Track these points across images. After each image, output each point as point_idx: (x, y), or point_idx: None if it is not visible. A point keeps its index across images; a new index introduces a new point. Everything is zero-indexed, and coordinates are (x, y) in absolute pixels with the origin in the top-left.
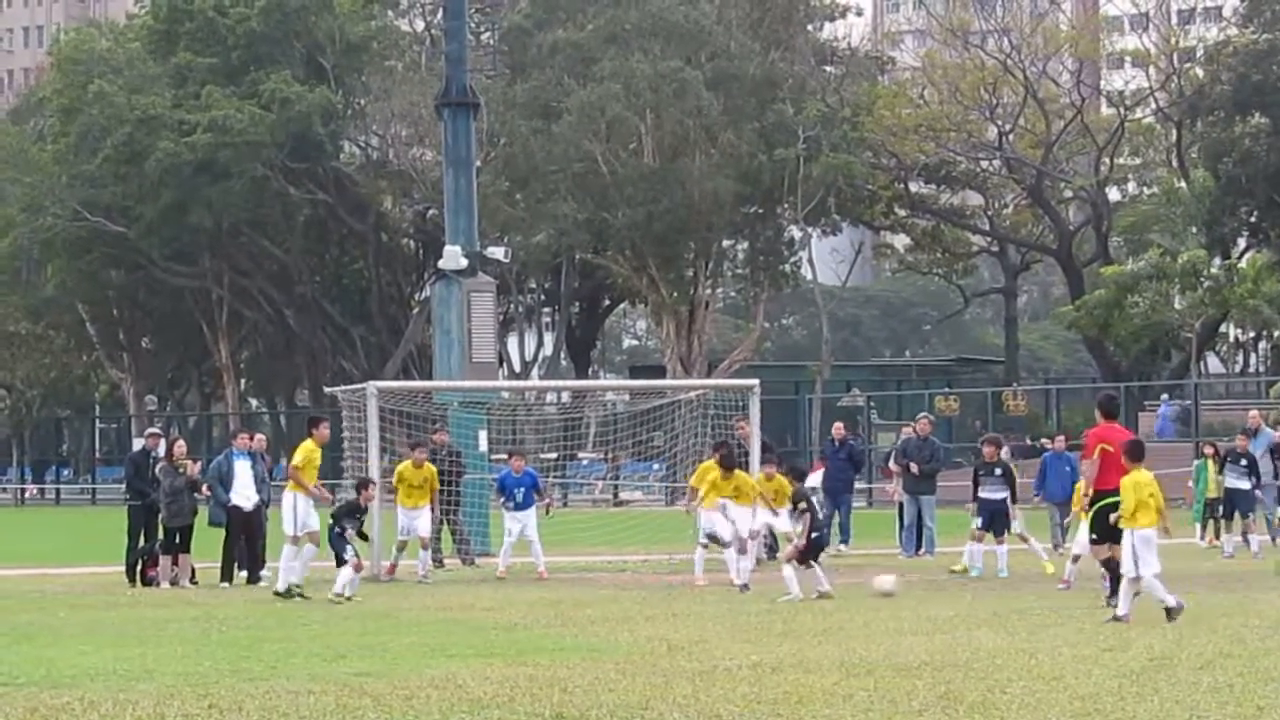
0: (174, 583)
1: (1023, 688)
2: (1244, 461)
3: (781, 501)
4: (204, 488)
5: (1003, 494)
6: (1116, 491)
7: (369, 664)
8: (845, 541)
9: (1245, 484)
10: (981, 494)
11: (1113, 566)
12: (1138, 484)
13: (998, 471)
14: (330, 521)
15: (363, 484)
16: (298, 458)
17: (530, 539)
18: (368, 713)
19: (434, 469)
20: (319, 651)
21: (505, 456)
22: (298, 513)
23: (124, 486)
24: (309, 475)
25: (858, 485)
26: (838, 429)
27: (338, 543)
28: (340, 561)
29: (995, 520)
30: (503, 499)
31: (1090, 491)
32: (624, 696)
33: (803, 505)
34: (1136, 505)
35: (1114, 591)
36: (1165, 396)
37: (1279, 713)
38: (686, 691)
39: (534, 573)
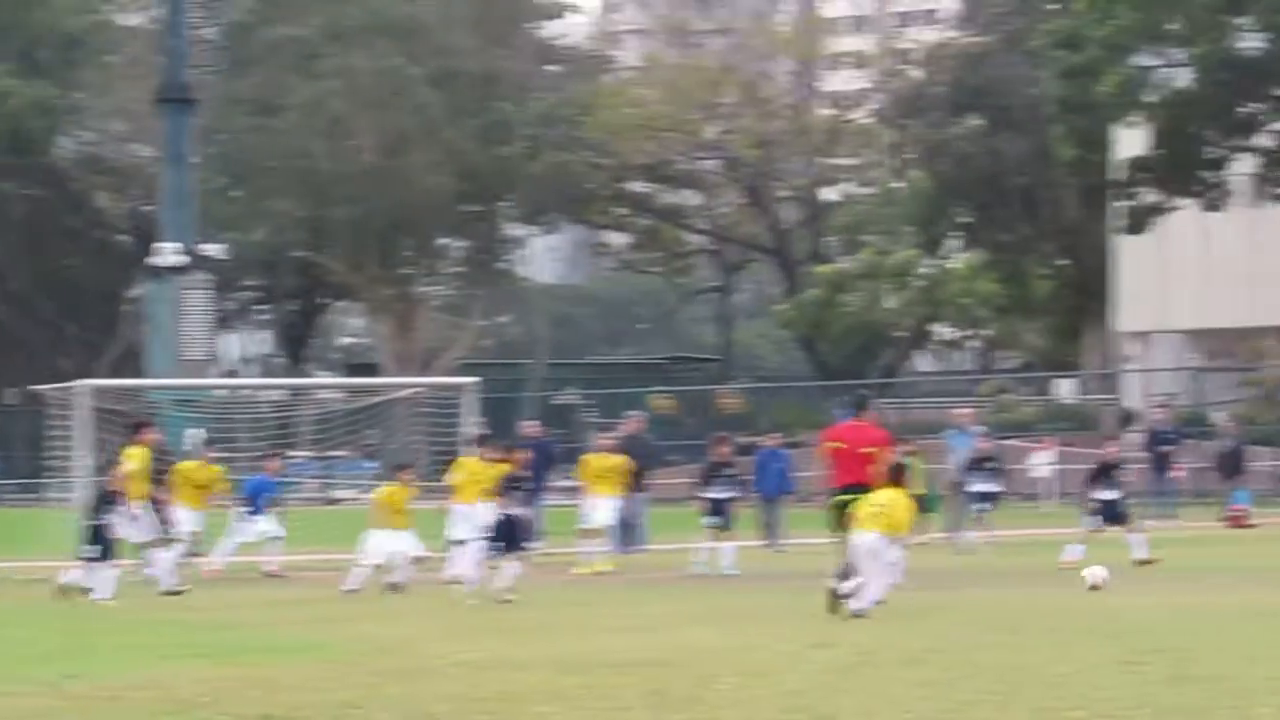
0: None
1: (731, 683)
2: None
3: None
4: None
5: (731, 493)
6: (852, 488)
7: (76, 665)
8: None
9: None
10: (710, 493)
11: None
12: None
13: (728, 471)
14: (88, 517)
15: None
16: (132, 464)
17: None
18: (69, 715)
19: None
20: (25, 653)
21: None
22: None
23: None
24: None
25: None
26: (529, 427)
27: (94, 538)
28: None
29: (725, 516)
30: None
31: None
32: (334, 696)
33: None
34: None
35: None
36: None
37: (984, 707)
38: (397, 691)
39: (253, 572)
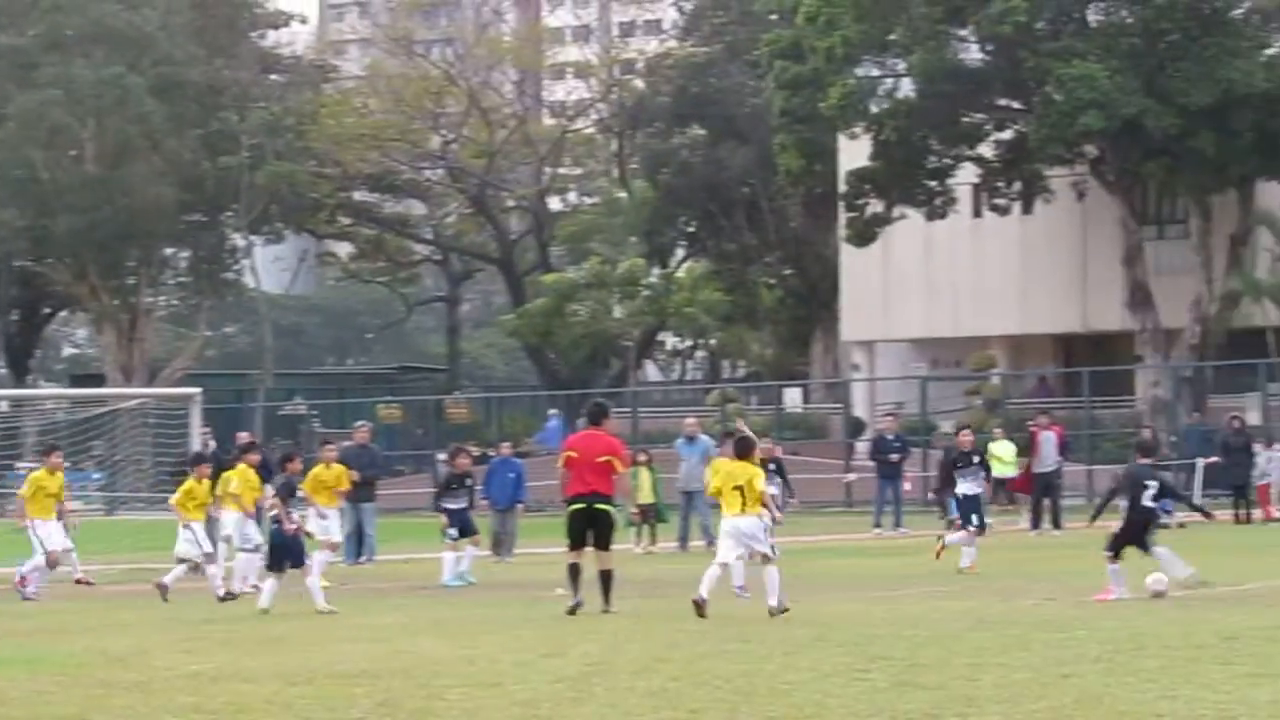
0: None
1: (462, 694)
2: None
3: None
4: None
5: (462, 503)
6: (586, 497)
7: None
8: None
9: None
10: (450, 504)
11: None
12: (729, 473)
13: (469, 482)
14: None
15: None
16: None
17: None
18: None
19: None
20: None
21: None
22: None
23: None
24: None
25: None
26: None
27: None
28: None
29: (467, 527)
30: None
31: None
32: (61, 709)
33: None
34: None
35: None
36: (554, 411)
37: (711, 714)
38: (126, 702)
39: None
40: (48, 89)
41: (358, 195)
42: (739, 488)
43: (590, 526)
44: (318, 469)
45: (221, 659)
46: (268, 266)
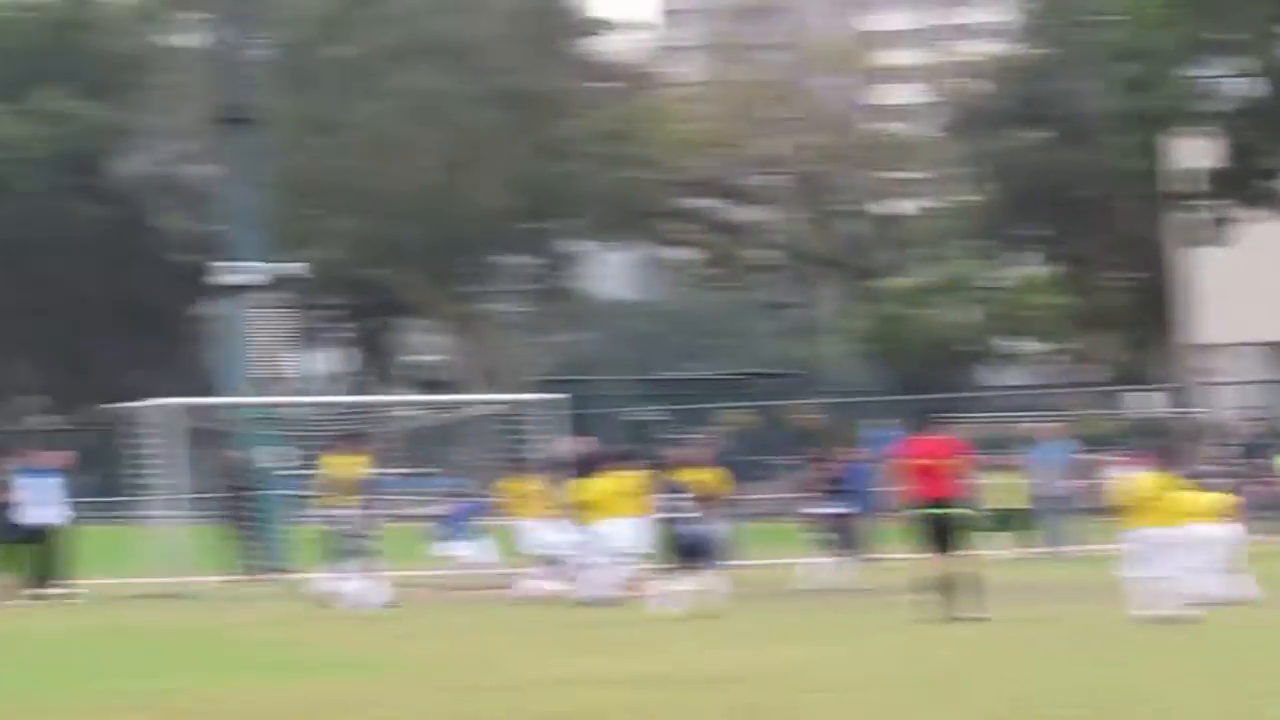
0: None
1: (818, 699)
2: None
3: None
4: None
5: (841, 508)
6: (935, 502)
7: (174, 680)
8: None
9: None
10: (815, 509)
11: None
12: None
13: (830, 486)
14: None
15: None
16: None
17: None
18: None
19: None
20: (124, 668)
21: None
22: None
23: None
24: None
25: None
26: (582, 443)
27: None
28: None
29: (836, 534)
30: None
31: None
32: (414, 712)
33: None
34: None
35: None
36: (897, 416)
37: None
38: (482, 706)
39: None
40: (386, 99)
41: (700, 201)
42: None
43: (944, 531)
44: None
45: (577, 663)
46: (610, 273)
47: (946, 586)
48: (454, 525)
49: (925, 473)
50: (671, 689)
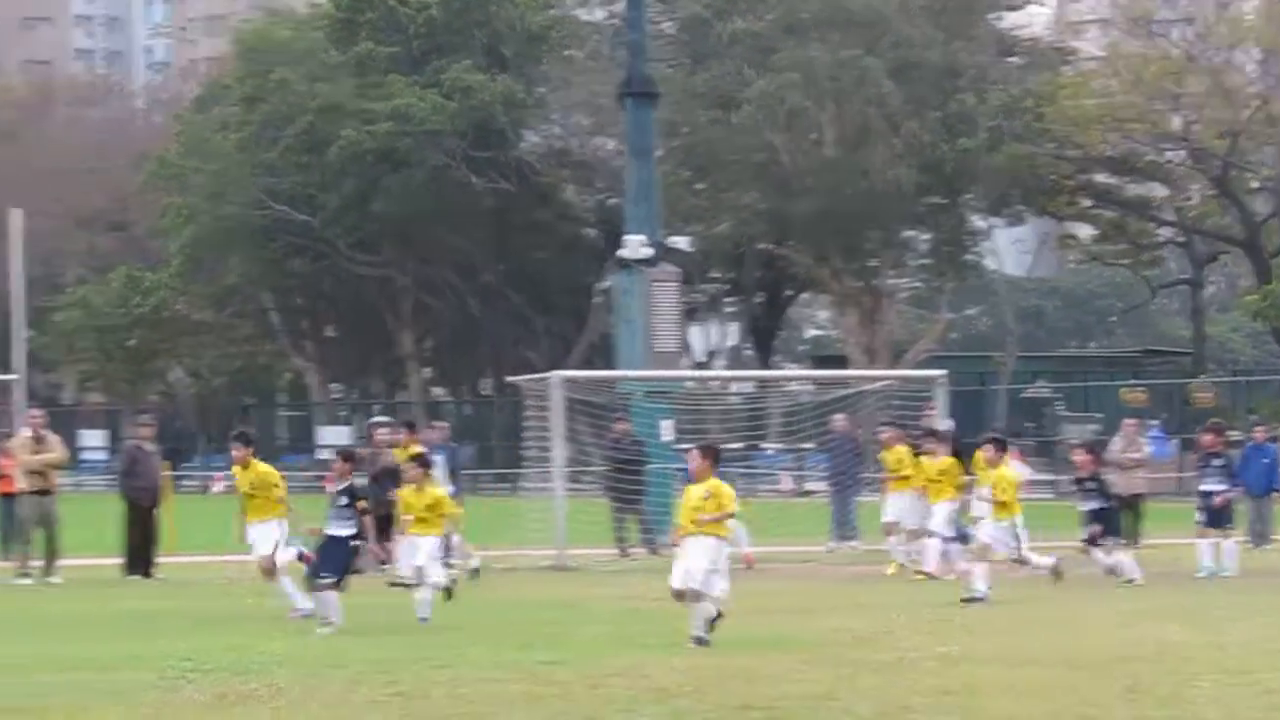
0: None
1: (1211, 681)
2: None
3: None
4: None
5: (1223, 485)
6: None
7: (554, 653)
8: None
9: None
10: (1202, 486)
11: None
12: None
13: (1216, 462)
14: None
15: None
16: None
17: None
18: (554, 701)
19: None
20: (504, 640)
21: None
22: None
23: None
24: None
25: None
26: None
27: None
28: None
29: (1217, 513)
30: None
31: None
32: (810, 687)
33: None
34: None
35: None
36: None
37: None
38: (872, 682)
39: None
40: (786, 72)
41: (1098, 177)
42: None
43: None
44: None
45: (967, 642)
46: (1008, 249)
47: None
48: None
49: None
50: (1061, 668)
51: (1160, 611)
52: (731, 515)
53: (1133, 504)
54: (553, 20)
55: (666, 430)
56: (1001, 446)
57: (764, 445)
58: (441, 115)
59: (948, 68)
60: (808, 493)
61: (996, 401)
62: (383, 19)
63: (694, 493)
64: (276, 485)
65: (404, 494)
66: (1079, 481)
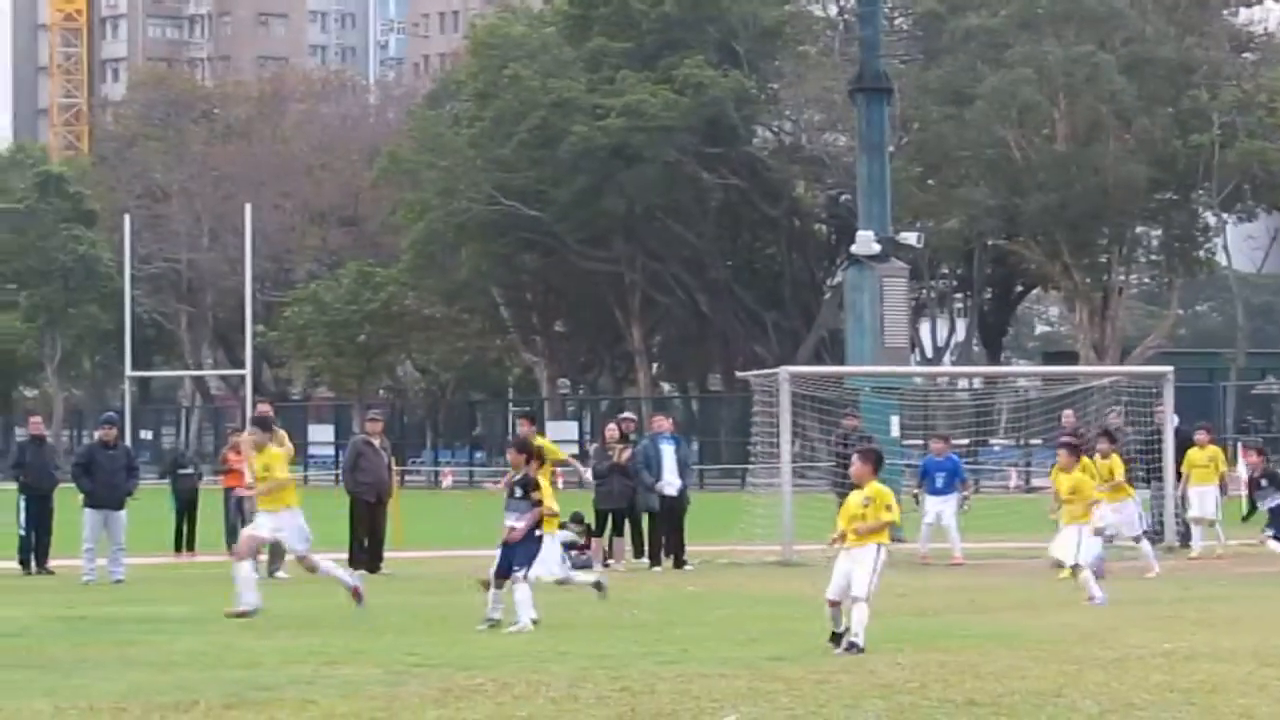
0: (605, 564)
1: None
2: None
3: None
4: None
5: None
6: None
7: (779, 648)
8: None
9: None
10: None
11: None
12: None
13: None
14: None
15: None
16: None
17: (947, 525)
18: (780, 696)
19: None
20: (729, 636)
21: (920, 442)
22: None
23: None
24: None
25: None
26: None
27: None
28: None
29: None
30: (923, 482)
31: None
32: (1036, 683)
33: None
34: None
35: None
36: None
37: None
38: (1099, 679)
39: (949, 558)
40: (1019, 68)
41: None
42: None
43: None
44: None
45: (1195, 638)
46: (1240, 245)
47: None
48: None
49: None
50: None
51: None
52: (891, 524)
53: None
54: (786, 16)
55: (895, 426)
56: (1075, 451)
57: (992, 441)
58: (673, 111)
59: (1181, 63)
60: (1034, 489)
61: (1225, 398)
62: (616, 14)
63: (854, 499)
64: None
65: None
66: (1254, 482)
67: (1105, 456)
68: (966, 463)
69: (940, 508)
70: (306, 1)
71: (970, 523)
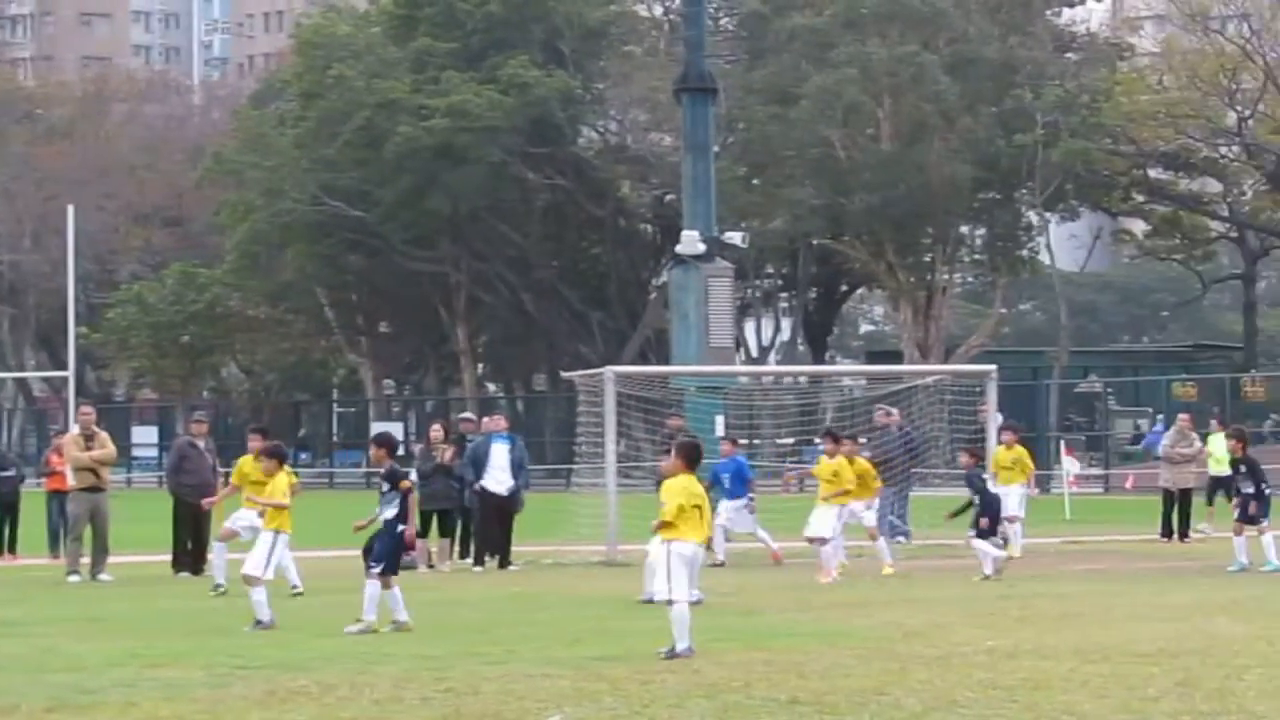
0: (430, 565)
1: (1261, 674)
2: None
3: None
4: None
5: (1251, 488)
6: None
7: (604, 649)
8: None
9: None
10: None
11: None
12: None
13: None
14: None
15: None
16: None
17: (743, 528)
18: (604, 696)
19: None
20: (555, 636)
21: (745, 441)
22: None
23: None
24: None
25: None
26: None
27: None
28: None
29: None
30: (714, 486)
31: None
32: (860, 682)
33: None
34: None
35: None
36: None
37: None
38: (922, 676)
39: (767, 558)
40: (843, 68)
41: (1152, 173)
42: None
43: None
44: None
45: (1018, 635)
46: (1062, 244)
47: None
48: None
49: None
50: (1112, 661)
51: (1207, 605)
52: (666, 525)
53: (1183, 498)
54: (611, 15)
55: (720, 426)
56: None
57: (816, 440)
58: (498, 111)
59: (1004, 63)
60: None
61: (1049, 396)
62: (441, 14)
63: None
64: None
65: None
66: (1234, 465)
67: (831, 456)
68: (792, 462)
69: (731, 513)
70: (129, 1)
71: (794, 522)
